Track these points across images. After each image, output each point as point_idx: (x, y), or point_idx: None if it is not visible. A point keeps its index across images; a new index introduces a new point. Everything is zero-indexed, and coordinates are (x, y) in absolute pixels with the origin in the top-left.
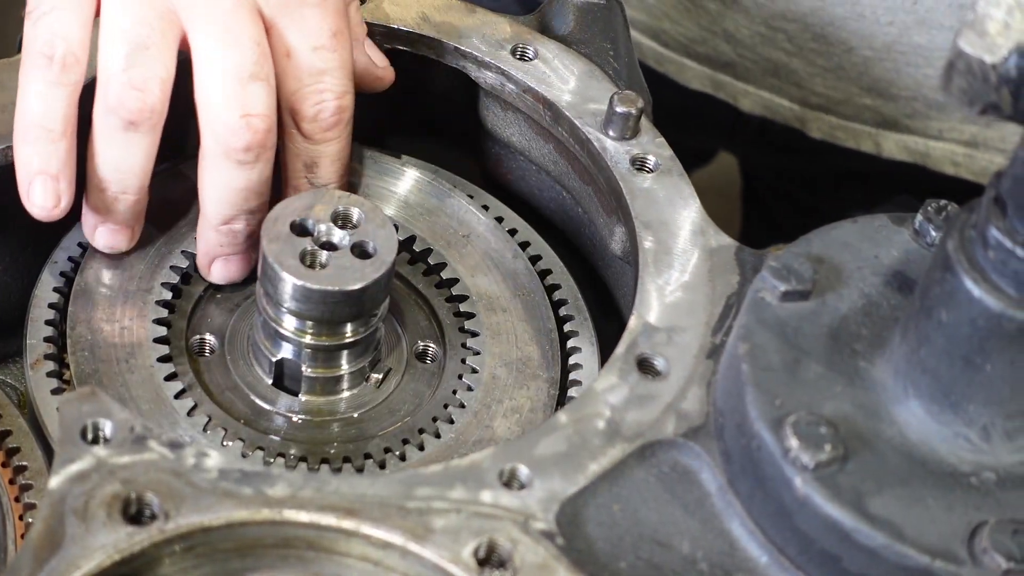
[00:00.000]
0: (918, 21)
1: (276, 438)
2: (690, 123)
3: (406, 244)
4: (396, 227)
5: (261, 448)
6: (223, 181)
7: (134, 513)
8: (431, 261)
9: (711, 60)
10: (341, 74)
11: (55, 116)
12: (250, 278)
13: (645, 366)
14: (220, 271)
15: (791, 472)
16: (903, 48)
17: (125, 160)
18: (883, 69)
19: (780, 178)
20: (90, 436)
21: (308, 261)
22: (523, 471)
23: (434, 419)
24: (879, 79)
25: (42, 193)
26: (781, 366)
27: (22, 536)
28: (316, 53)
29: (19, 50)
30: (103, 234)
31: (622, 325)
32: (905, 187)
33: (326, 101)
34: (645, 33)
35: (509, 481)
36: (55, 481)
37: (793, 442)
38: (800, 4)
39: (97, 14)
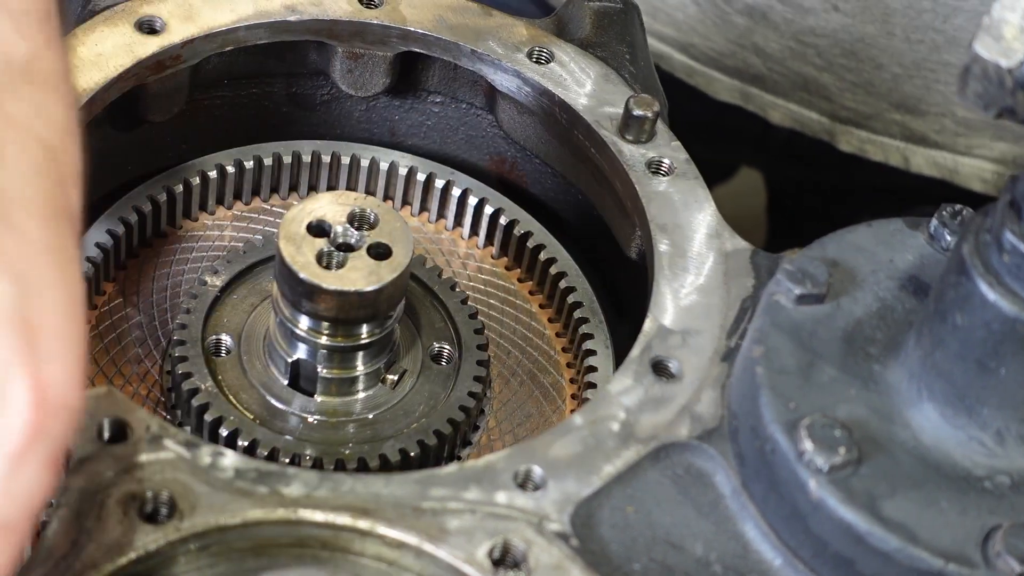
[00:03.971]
0: (948, 40)
1: (291, 438)
2: (718, 135)
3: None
4: None
5: (276, 448)
6: None
7: (150, 512)
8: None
9: (740, 73)
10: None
11: None
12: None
13: (660, 368)
14: None
15: (805, 475)
16: (933, 66)
17: None
18: (913, 86)
19: (808, 192)
20: (107, 435)
21: (324, 262)
22: (538, 472)
23: (449, 420)
24: (909, 96)
25: None
26: (795, 369)
27: (37, 533)
28: None
29: None
30: None
31: (637, 328)
32: (933, 203)
33: None
34: (674, 47)
35: (524, 482)
36: (72, 480)
37: (807, 445)
38: (830, 20)
39: None
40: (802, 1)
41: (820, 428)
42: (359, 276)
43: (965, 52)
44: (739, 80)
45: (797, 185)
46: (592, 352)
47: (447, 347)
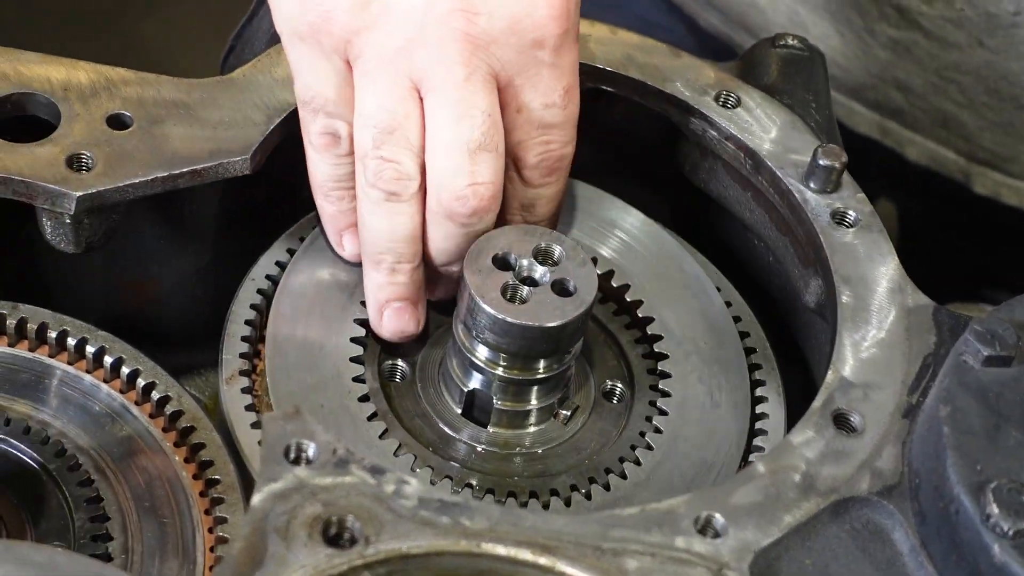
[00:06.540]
0: None
1: (460, 466)
2: (853, 168)
3: (605, 278)
4: (595, 261)
5: (449, 477)
6: (440, 235)
7: (334, 535)
8: (628, 298)
9: (880, 106)
10: (567, 127)
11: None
12: (447, 308)
13: (841, 421)
14: (395, 322)
15: (990, 539)
16: None
17: (394, 229)
18: None
19: (940, 230)
20: (293, 456)
21: (509, 295)
22: (718, 519)
23: (620, 459)
24: None
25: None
26: (982, 431)
27: (211, 548)
28: (547, 110)
29: (224, 70)
30: (389, 317)
31: (807, 376)
32: None
33: (551, 151)
34: None
35: (704, 528)
36: (257, 499)
37: (994, 508)
38: (973, 57)
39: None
40: (947, 35)
41: (1007, 492)
42: (543, 311)
43: None
44: (878, 113)
45: (928, 223)
46: (763, 399)
47: (619, 385)
